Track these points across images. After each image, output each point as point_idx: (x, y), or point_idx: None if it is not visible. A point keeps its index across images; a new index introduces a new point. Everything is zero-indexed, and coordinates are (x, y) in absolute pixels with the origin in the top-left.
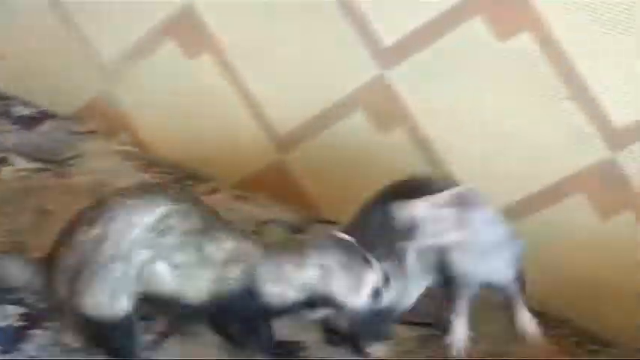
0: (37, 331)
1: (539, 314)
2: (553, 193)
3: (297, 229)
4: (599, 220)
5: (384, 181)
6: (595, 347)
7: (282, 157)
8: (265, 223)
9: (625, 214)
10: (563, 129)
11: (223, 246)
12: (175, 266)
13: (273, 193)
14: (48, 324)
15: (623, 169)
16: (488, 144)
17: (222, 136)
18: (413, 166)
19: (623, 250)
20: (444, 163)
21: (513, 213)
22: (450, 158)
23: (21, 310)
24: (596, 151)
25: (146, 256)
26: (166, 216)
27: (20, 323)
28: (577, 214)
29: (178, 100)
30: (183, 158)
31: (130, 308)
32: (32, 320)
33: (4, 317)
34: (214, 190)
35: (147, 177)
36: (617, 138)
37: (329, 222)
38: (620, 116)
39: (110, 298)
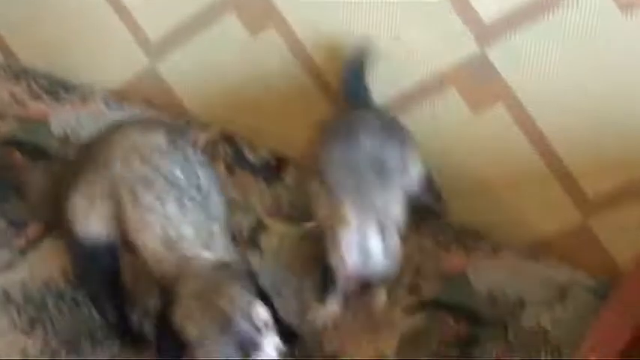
0: None
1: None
2: (425, 90)
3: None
4: (472, 113)
5: (257, 85)
6: (471, 241)
7: (154, 63)
8: None
9: (496, 106)
10: (434, 26)
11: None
12: (136, 201)
13: (146, 99)
14: None
15: (493, 64)
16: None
17: (92, 44)
18: (286, 68)
19: (495, 141)
20: (315, 64)
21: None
22: (321, 58)
23: None
24: (466, 47)
25: (119, 171)
26: (154, 149)
27: None
28: (449, 108)
29: (46, 8)
30: (54, 68)
31: (104, 236)
32: None
33: None
34: (85, 99)
35: (16, 88)
36: (486, 33)
37: (204, 125)
38: (488, 12)
39: (86, 208)
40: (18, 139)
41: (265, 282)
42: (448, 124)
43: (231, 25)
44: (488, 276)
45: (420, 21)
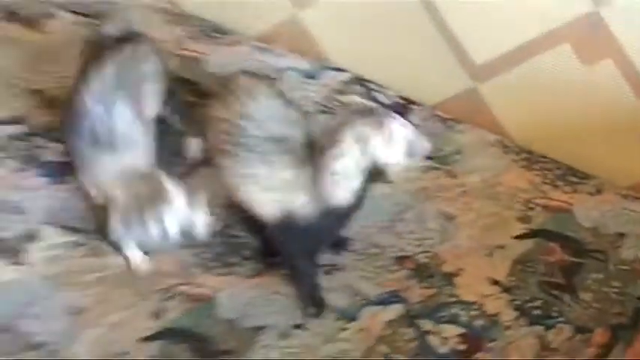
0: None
1: (527, 152)
2: (541, 43)
3: (310, 75)
4: (583, 66)
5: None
6: (575, 179)
7: (297, 11)
8: (283, 70)
9: (606, 60)
10: None
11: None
12: None
13: (289, 45)
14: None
15: (606, 22)
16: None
17: None
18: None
19: (603, 92)
20: (444, 18)
21: (507, 61)
22: (450, 12)
23: None
24: (582, 5)
25: None
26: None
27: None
28: (562, 62)
29: None
30: (210, 13)
31: None
32: None
33: None
34: (235, 42)
35: (177, 30)
36: None
37: (338, 69)
38: None
39: None
40: (180, 76)
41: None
42: (560, 76)
43: None
44: (592, 212)
45: None
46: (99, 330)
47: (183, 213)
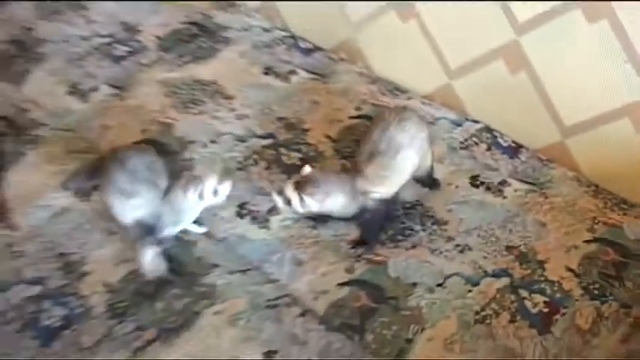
0: None
1: (594, 185)
2: (609, 116)
3: (457, 123)
4: (637, 135)
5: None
6: (625, 206)
7: (450, 81)
8: (439, 118)
9: None
10: (621, 80)
11: None
12: None
13: (443, 102)
14: None
15: None
16: (570, 89)
17: (413, 65)
18: (525, 92)
19: None
20: (545, 90)
21: (585, 124)
22: (552, 89)
23: None
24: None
25: None
26: None
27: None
28: (623, 131)
29: (400, 37)
30: (396, 78)
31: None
32: None
33: None
34: (409, 97)
35: (372, 87)
36: None
37: (475, 121)
38: None
39: None
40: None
41: None
42: (621, 141)
43: None
44: (636, 228)
45: (613, 77)
46: (312, 276)
47: (213, 185)
